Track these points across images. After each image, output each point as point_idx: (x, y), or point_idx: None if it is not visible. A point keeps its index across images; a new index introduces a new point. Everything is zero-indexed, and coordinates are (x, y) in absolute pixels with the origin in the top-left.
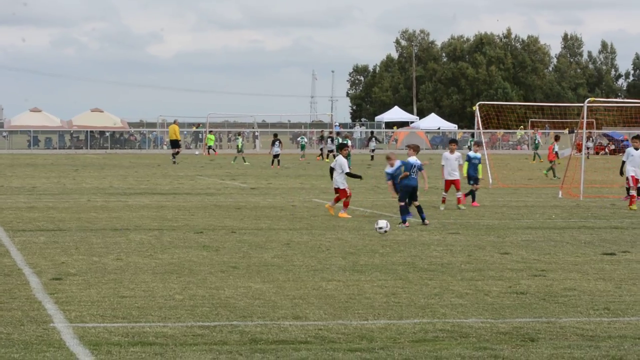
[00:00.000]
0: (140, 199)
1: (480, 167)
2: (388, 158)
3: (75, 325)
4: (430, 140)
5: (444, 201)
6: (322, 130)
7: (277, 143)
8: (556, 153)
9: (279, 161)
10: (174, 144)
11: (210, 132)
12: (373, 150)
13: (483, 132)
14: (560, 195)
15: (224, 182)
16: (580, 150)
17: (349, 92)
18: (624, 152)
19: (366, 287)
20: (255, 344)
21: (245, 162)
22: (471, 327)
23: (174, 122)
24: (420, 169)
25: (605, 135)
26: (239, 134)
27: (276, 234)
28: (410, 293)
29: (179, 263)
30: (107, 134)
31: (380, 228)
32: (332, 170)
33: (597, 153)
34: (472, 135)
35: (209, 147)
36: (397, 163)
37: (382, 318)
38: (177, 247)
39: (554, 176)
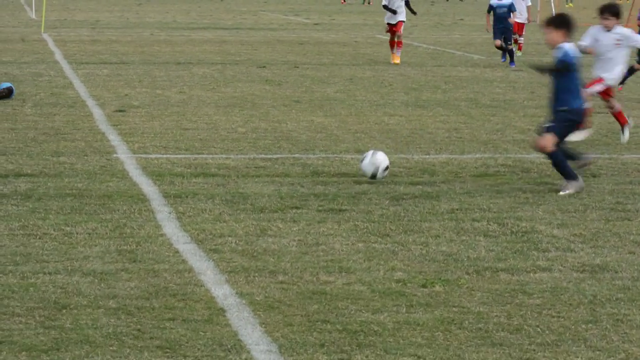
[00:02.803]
0: (203, 33)
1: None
2: None
3: (138, 156)
4: None
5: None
6: None
7: None
8: None
9: None
10: None
11: None
12: None
13: None
14: None
15: (287, 18)
16: None
17: None
18: None
19: (428, 122)
20: (317, 176)
21: None
22: (532, 162)
23: None
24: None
25: None
26: None
27: (339, 69)
28: (473, 129)
29: (241, 97)
30: None
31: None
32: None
33: None
34: None
35: None
36: None
37: (444, 152)
38: (239, 80)
39: None
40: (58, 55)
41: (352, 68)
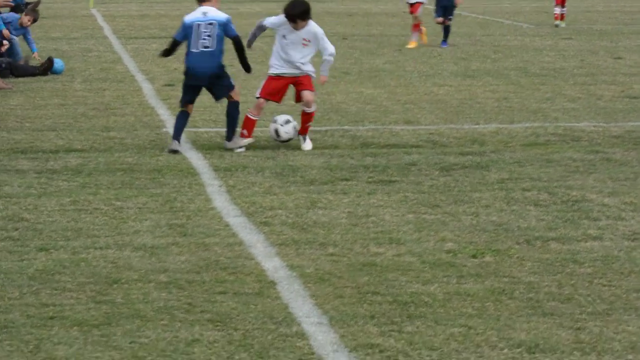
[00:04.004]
0: (252, 6)
1: None
2: None
3: (187, 130)
4: None
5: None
6: None
7: None
8: None
9: None
10: None
11: None
12: None
13: None
14: None
15: None
16: None
17: None
18: None
19: (478, 91)
20: (366, 148)
21: None
22: (583, 131)
23: None
24: None
25: None
26: None
27: (388, 40)
28: (522, 98)
29: None
30: None
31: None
32: None
33: None
34: None
35: None
36: None
37: (494, 122)
38: None
39: None
40: (107, 31)
41: (401, 39)
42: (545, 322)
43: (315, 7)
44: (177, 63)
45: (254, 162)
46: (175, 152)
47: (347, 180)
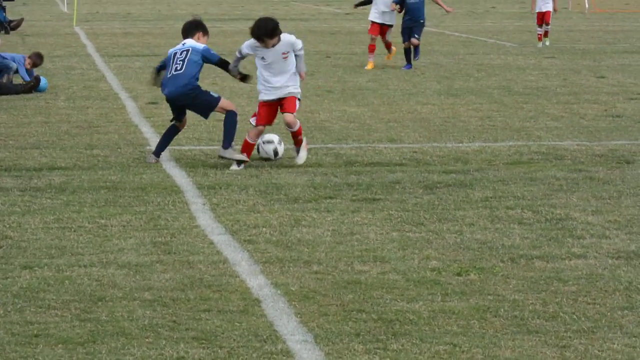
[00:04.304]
0: (235, 24)
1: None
2: None
3: (171, 148)
4: None
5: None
6: None
7: None
8: None
9: None
10: None
11: None
12: None
13: None
14: None
15: (318, 8)
16: None
17: None
18: None
19: (461, 110)
20: (350, 166)
21: None
22: (566, 150)
23: None
24: None
25: None
26: None
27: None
28: (505, 116)
29: None
30: None
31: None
32: None
33: None
34: None
35: None
36: None
37: (477, 141)
38: None
39: None
40: (90, 48)
41: (384, 57)
42: (530, 340)
43: (298, 26)
44: None
45: (238, 179)
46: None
47: (331, 198)
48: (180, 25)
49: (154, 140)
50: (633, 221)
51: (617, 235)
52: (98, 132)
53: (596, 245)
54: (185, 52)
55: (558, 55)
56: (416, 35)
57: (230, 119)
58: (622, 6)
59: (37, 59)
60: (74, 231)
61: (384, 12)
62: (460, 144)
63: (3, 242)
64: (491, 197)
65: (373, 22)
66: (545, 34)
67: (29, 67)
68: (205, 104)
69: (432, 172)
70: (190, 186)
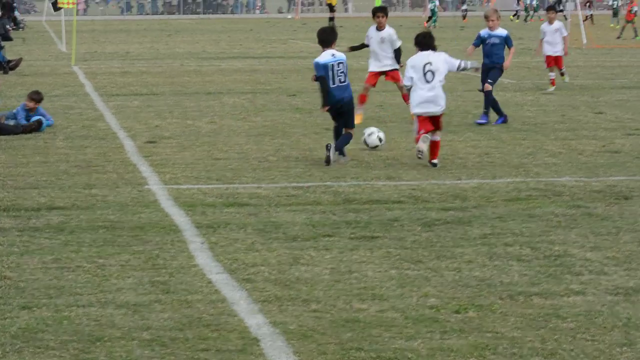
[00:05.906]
0: (233, 62)
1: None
2: (486, 17)
3: (169, 187)
4: None
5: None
6: None
7: None
8: (635, 12)
9: None
10: (331, 8)
11: None
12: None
13: None
14: None
15: (316, 46)
16: None
17: None
18: None
19: (459, 147)
20: (348, 204)
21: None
22: (564, 186)
23: None
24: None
25: None
26: None
27: (369, 97)
28: (504, 153)
29: (272, 125)
30: None
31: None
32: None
33: None
34: None
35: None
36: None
37: (476, 177)
38: (270, 109)
39: (636, 36)
40: (88, 88)
41: (382, 95)
42: None
43: (296, 64)
44: (158, 120)
45: (236, 218)
46: (327, 161)
47: (329, 236)
48: (178, 64)
49: (152, 179)
50: (631, 257)
51: (616, 271)
52: (96, 171)
53: (595, 282)
54: (341, 64)
55: (556, 91)
56: (489, 80)
57: (346, 137)
58: (619, 41)
59: (35, 96)
60: (73, 271)
61: (383, 58)
62: (459, 181)
63: (1, 282)
64: (489, 234)
65: (371, 72)
66: (562, 74)
67: (31, 105)
68: (349, 119)
69: (431, 209)
70: (189, 225)
